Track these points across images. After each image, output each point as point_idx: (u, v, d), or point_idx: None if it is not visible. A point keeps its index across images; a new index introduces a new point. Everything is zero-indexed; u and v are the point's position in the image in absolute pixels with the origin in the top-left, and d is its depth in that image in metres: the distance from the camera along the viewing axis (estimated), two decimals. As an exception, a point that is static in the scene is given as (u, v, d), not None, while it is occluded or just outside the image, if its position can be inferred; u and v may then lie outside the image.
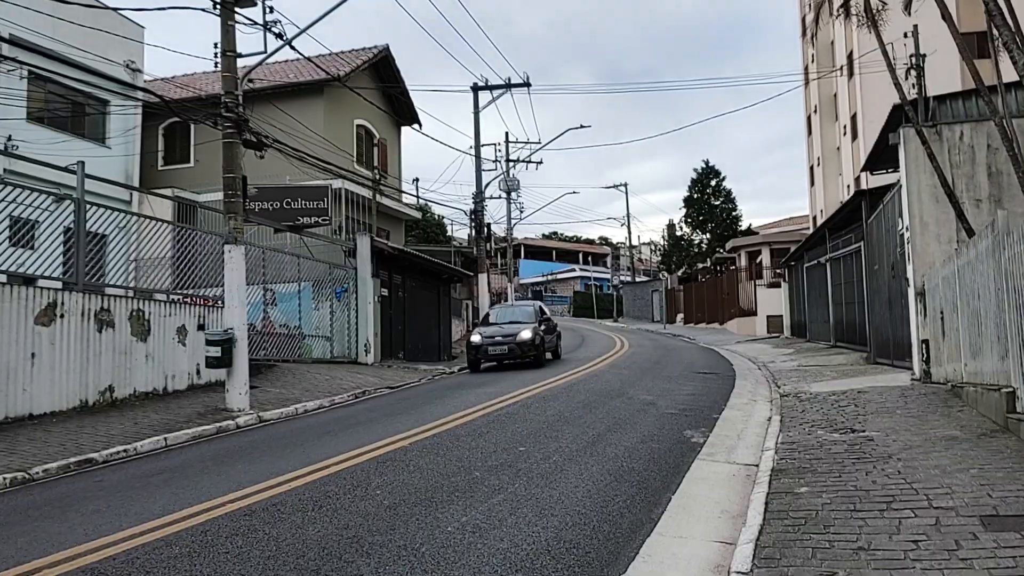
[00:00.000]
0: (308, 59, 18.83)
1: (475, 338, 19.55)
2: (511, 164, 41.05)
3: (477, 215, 27.78)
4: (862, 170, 19.94)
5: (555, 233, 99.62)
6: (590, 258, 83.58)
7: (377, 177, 22.42)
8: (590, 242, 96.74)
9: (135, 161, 22.13)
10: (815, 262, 25.65)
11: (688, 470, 7.50)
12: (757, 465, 7.80)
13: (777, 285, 34.87)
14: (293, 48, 13.57)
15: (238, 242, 12.52)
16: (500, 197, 44.04)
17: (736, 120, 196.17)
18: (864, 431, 8.77)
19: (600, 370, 17.62)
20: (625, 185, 62.30)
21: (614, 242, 75.78)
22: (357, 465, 7.71)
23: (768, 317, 35.11)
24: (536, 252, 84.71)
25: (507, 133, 41.81)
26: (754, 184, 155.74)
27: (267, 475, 7.44)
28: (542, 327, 19.89)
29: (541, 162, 41.55)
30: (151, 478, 7.88)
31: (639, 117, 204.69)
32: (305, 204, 17.57)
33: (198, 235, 15.20)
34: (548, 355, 20.69)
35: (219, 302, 19.33)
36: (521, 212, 55.91)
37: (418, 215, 31.60)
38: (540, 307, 21.56)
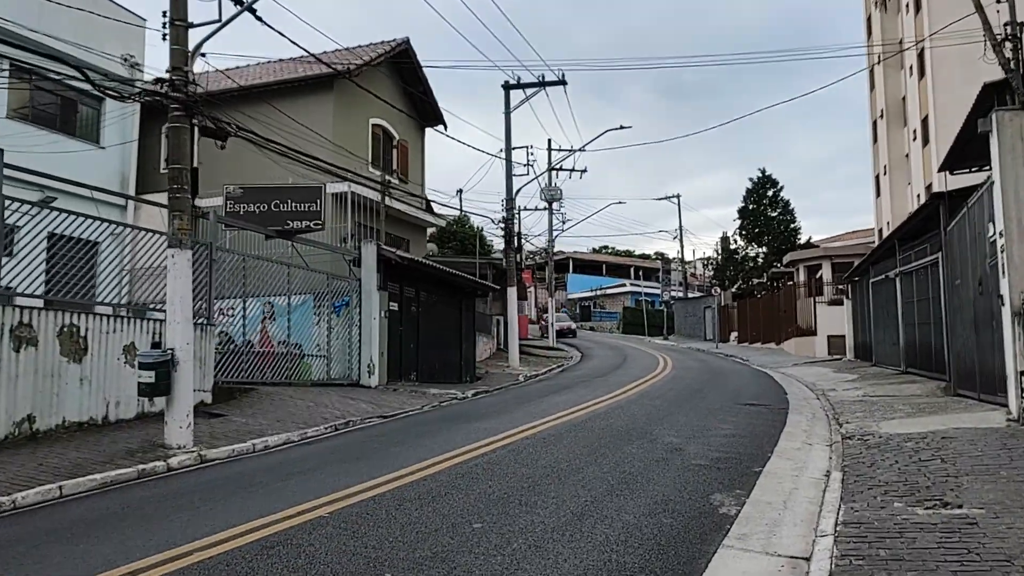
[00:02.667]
0: (298, 46, 16.93)
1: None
2: (552, 172, 38.93)
3: (507, 224, 25.61)
4: (940, 170, 17.22)
5: (606, 247, 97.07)
6: (641, 272, 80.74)
7: (386, 179, 20.41)
8: (645, 257, 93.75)
9: (131, 162, 20.52)
10: (882, 277, 22.80)
11: (706, 569, 5.16)
12: (808, 560, 5.43)
13: (839, 302, 31.88)
14: (256, 16, 11.61)
15: (183, 245, 10.52)
16: (542, 209, 41.93)
17: (798, 135, 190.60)
18: (960, 506, 6.29)
19: (628, 399, 15.23)
20: (678, 196, 59.58)
21: (669, 257, 72.92)
22: (239, 548, 5.53)
23: (829, 337, 32.17)
24: (585, 266, 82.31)
25: (550, 140, 39.84)
26: (816, 200, 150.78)
27: (126, 556, 5.32)
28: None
29: (585, 170, 39.34)
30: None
31: (693, 127, 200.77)
32: (296, 207, 15.62)
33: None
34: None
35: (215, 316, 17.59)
36: (563, 224, 53.65)
37: (441, 223, 29.56)
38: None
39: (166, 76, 10.74)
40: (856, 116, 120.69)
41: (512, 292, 25.77)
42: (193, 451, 10.04)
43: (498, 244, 51.15)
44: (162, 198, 21.06)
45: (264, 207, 15.61)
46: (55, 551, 5.67)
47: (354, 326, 17.80)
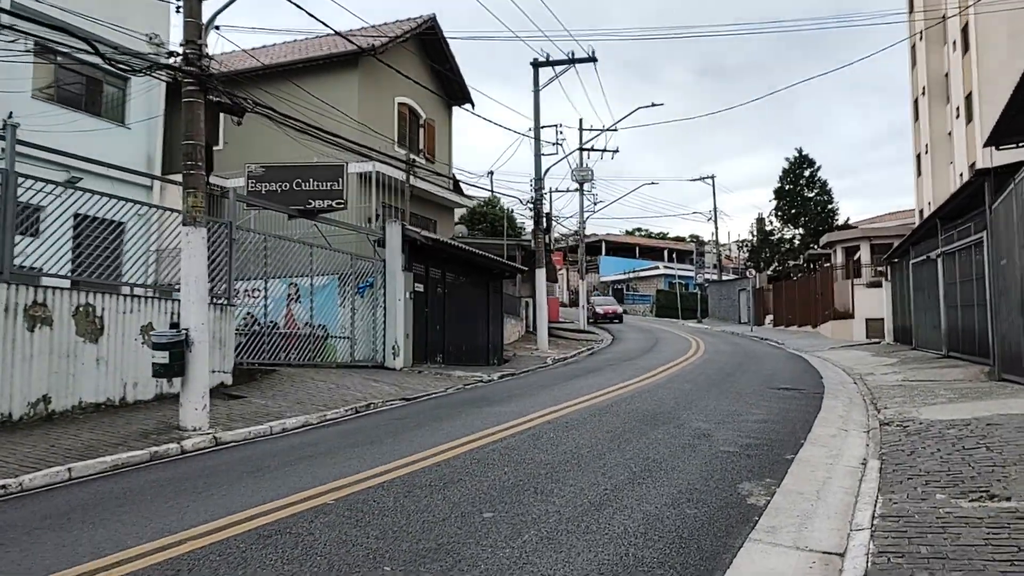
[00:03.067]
0: (322, 22, 16.57)
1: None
2: (583, 152, 38.36)
3: (536, 204, 25.16)
4: (986, 145, 16.47)
5: (639, 229, 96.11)
6: (675, 255, 79.76)
7: (411, 159, 20.05)
8: (680, 239, 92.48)
9: (157, 142, 20.37)
10: (923, 257, 22.05)
11: (731, 565, 4.78)
12: (842, 556, 5.03)
13: (878, 284, 31.04)
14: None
15: (197, 223, 10.28)
16: (573, 190, 41.38)
17: (840, 117, 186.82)
18: (1009, 498, 5.84)
19: (657, 382, 14.80)
20: (712, 177, 58.64)
21: (704, 239, 71.75)
22: (234, 536, 5.26)
23: (867, 320, 31.36)
24: (618, 249, 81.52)
25: (581, 120, 39.33)
26: (858, 181, 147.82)
27: (116, 544, 5.08)
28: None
29: (617, 150, 38.68)
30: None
31: (740, 111, 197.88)
32: (318, 186, 15.35)
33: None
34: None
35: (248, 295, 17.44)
36: (595, 205, 52.91)
37: (469, 203, 29.16)
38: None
39: (180, 50, 10.49)
40: (899, 96, 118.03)
41: (540, 274, 25.33)
42: (208, 433, 9.84)
43: (529, 226, 50.79)
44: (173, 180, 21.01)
45: (286, 186, 15.37)
46: (47, 537, 5.45)
47: (378, 307, 17.54)
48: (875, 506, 5.90)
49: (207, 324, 10.42)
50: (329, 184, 15.39)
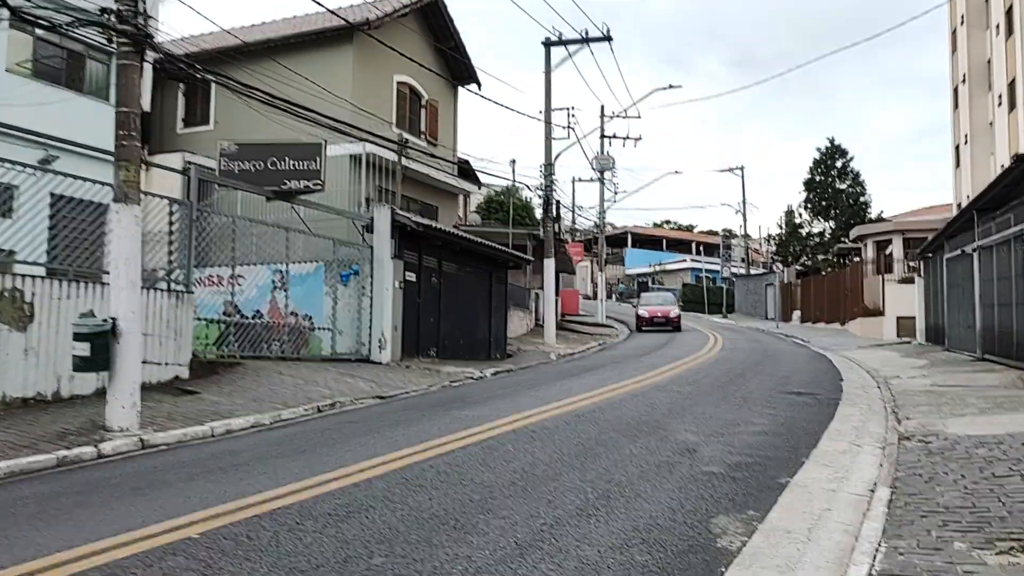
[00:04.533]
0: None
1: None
2: (604, 140, 37.02)
3: (546, 191, 23.92)
4: (1029, 127, 14.99)
5: (668, 222, 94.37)
6: (702, 248, 77.93)
7: (403, 139, 18.89)
8: (712, 233, 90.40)
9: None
10: (958, 252, 20.46)
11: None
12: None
13: (910, 281, 29.36)
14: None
15: (128, 200, 9.21)
16: (593, 180, 40.07)
17: (879, 111, 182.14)
18: (1051, 552, 4.56)
19: (657, 383, 13.54)
20: (741, 168, 56.75)
21: (733, 232, 69.68)
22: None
23: (898, 319, 29.70)
24: (644, 241, 79.94)
25: (602, 107, 37.76)
26: (896, 175, 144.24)
27: None
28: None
29: (640, 138, 37.14)
30: None
31: (777, 104, 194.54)
32: (294, 165, 14.28)
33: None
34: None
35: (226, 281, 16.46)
36: (615, 195, 51.36)
37: (474, 189, 27.92)
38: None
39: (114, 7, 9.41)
40: (939, 88, 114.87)
41: (549, 264, 24.10)
42: (135, 435, 8.79)
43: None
44: (177, 159, 20.05)
45: (260, 165, 14.30)
46: None
47: (365, 297, 16.44)
48: (875, 557, 4.65)
49: (139, 312, 9.37)
50: (306, 164, 14.29)
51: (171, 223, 12.04)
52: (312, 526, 5.14)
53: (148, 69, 19.75)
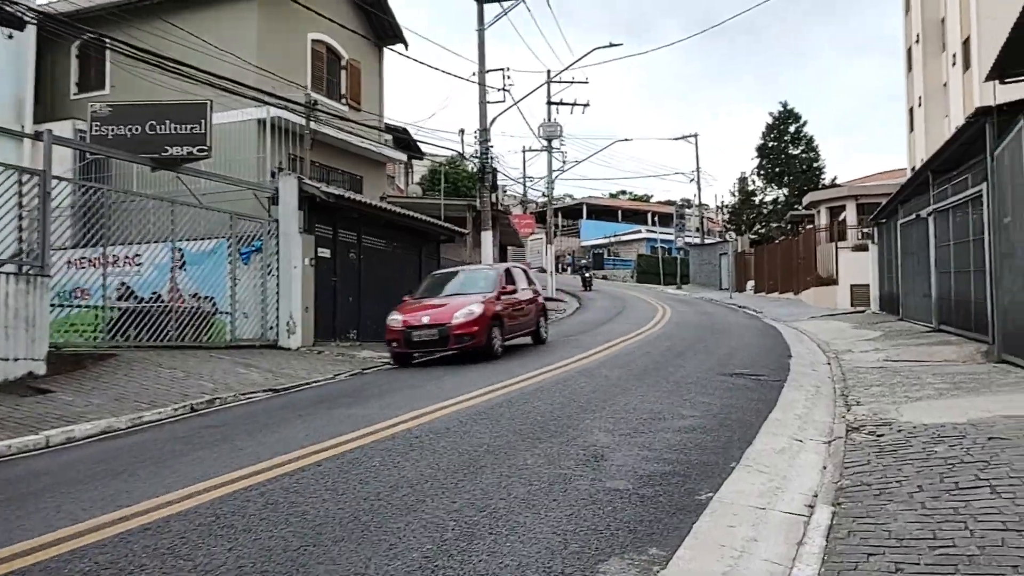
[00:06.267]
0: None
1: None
2: (551, 107, 35.57)
3: (482, 158, 22.42)
4: (987, 79, 13.83)
5: (624, 192, 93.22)
6: (658, 218, 76.96)
7: (312, 100, 17.26)
8: (670, 203, 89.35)
9: (27, 86, 17.50)
10: (913, 216, 19.43)
11: None
12: None
13: (864, 248, 28.45)
14: None
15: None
16: (540, 149, 38.65)
17: (837, 76, 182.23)
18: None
19: (585, 367, 12.22)
20: (695, 136, 55.72)
21: (690, 201, 68.50)
22: None
23: (852, 287, 28.84)
24: (601, 212, 78.72)
25: (548, 72, 36.19)
26: (855, 142, 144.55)
27: None
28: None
29: (588, 104, 35.74)
30: None
31: (733, 68, 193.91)
32: (175, 128, 12.63)
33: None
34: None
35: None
36: (563, 164, 49.91)
37: (402, 157, 26.30)
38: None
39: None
40: (897, 55, 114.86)
41: (487, 236, 22.67)
42: (-63, 450, 7.27)
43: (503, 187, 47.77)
44: (67, 127, 18.19)
45: (137, 130, 12.61)
46: None
47: (271, 277, 14.89)
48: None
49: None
50: (190, 127, 12.65)
51: (20, 195, 10.39)
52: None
53: (32, 31, 17.89)
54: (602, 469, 6.08)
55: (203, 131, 12.68)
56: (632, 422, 7.84)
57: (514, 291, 15.02)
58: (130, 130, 12.57)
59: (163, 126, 12.62)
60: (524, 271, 16.61)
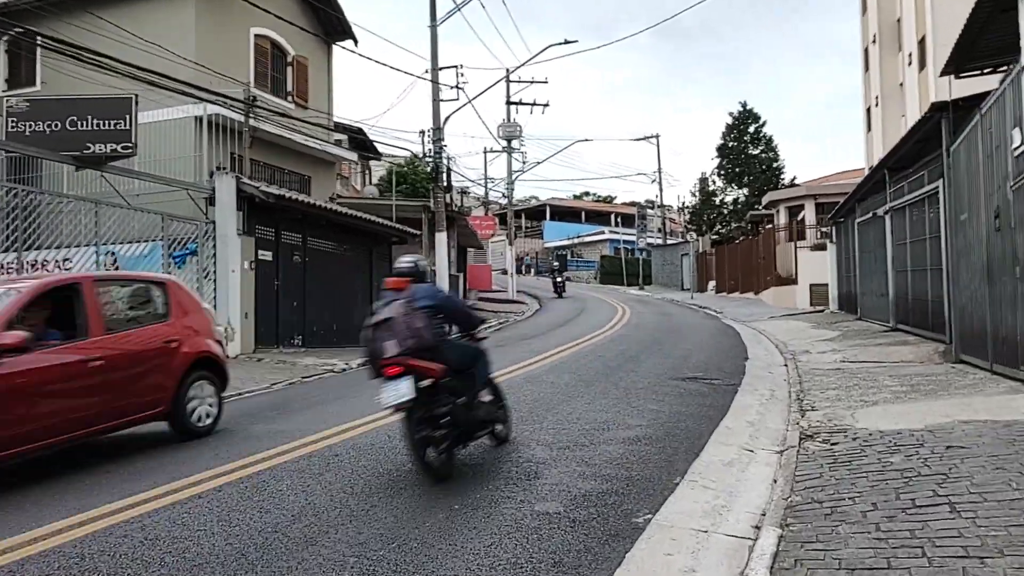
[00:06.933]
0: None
1: None
2: (510, 107, 35.09)
3: (435, 157, 21.84)
4: (943, 73, 13.57)
5: (588, 194, 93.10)
6: (621, 220, 76.83)
7: (251, 96, 16.56)
8: (633, 204, 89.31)
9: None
10: (870, 215, 19.23)
11: None
12: None
13: (823, 247, 28.31)
14: None
15: None
16: (502, 151, 38.14)
17: (796, 80, 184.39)
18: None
19: (532, 373, 11.69)
20: (656, 137, 55.63)
21: (654, 202, 68.36)
22: None
23: (811, 287, 28.67)
24: (564, 213, 78.44)
25: (508, 70, 35.75)
26: (814, 144, 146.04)
27: None
28: None
29: (548, 104, 35.35)
30: None
31: (694, 71, 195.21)
32: (98, 124, 11.91)
33: None
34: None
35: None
36: (523, 165, 49.40)
37: (353, 157, 25.64)
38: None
39: None
40: (855, 55, 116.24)
41: (441, 238, 22.08)
42: None
43: (464, 187, 47.10)
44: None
45: (57, 126, 11.85)
46: None
47: (207, 281, 14.17)
48: None
49: None
50: (114, 123, 11.93)
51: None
52: None
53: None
54: (533, 489, 5.55)
55: (128, 127, 11.96)
56: (574, 433, 7.33)
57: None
58: (49, 126, 11.81)
59: (84, 122, 11.87)
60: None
